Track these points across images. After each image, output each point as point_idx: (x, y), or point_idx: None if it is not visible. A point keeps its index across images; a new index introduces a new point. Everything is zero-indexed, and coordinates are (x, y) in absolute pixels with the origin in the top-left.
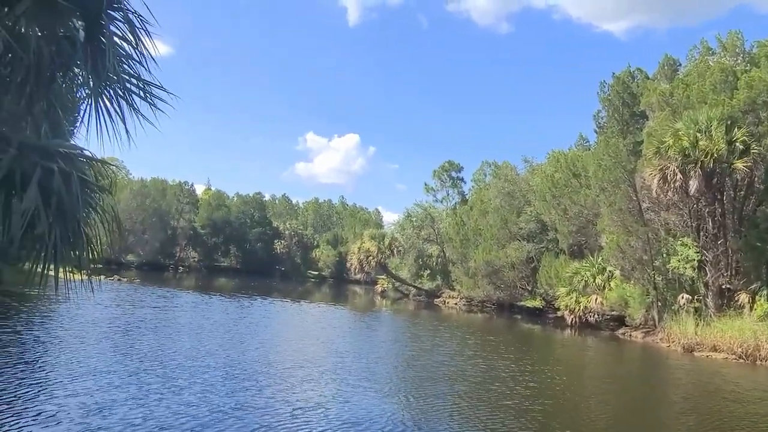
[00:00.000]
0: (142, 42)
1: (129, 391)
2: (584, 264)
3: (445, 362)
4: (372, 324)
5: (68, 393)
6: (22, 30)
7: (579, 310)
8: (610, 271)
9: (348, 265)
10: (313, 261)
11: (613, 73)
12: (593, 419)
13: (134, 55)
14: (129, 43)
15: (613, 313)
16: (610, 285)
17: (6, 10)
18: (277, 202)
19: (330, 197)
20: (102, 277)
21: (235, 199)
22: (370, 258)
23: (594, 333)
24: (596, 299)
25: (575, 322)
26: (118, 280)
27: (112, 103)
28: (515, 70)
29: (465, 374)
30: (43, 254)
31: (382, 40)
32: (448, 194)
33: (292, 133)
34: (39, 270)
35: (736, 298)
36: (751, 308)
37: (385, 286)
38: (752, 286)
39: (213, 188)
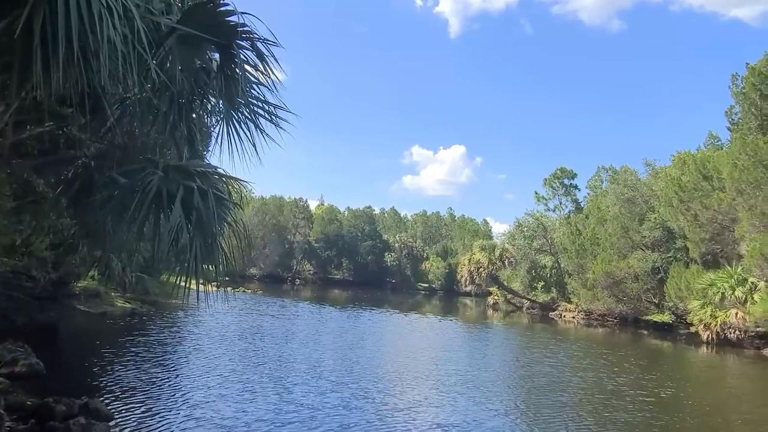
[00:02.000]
0: (269, 67)
1: (233, 389)
2: (720, 274)
3: (556, 375)
4: (482, 336)
5: (180, 389)
6: (168, 65)
7: (716, 325)
8: (752, 283)
9: (458, 277)
10: (422, 273)
11: (747, 64)
12: None
13: (261, 80)
14: (257, 68)
15: (758, 329)
16: (753, 298)
17: (154, 49)
18: (386, 215)
19: (437, 209)
20: (229, 288)
21: (346, 213)
22: (481, 269)
23: (735, 351)
24: (737, 314)
25: (711, 338)
26: (243, 291)
27: (241, 126)
28: (631, 69)
29: (578, 387)
30: (185, 265)
31: (485, 50)
32: (560, 202)
33: (398, 148)
34: (181, 281)
35: None
36: None
37: (497, 298)
38: None
39: (325, 203)
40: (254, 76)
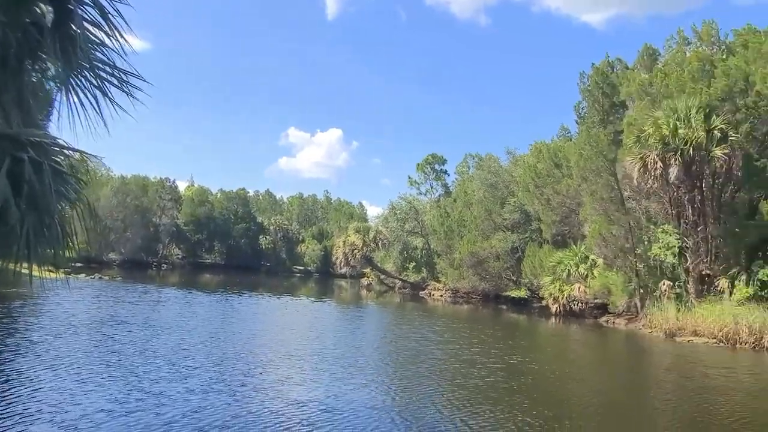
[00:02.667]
0: (115, 28)
1: (72, 380)
2: (567, 253)
3: (419, 348)
4: (353, 316)
5: (27, 386)
6: None
7: (563, 298)
8: (593, 260)
9: (333, 259)
10: (298, 256)
11: (593, 64)
12: (560, 398)
13: (107, 43)
14: (101, 29)
15: (596, 301)
16: (593, 273)
17: None
18: (260, 197)
19: (314, 192)
20: (83, 275)
21: (219, 195)
22: (356, 251)
23: (578, 321)
24: (579, 288)
25: (559, 310)
26: (99, 278)
27: (85, 93)
28: (497, 62)
29: (437, 358)
30: (16, 249)
31: (362, 34)
32: (432, 187)
33: (274, 129)
34: (13, 266)
35: (715, 284)
36: (731, 293)
37: (371, 279)
38: (731, 272)
39: (196, 184)
40: (99, 38)
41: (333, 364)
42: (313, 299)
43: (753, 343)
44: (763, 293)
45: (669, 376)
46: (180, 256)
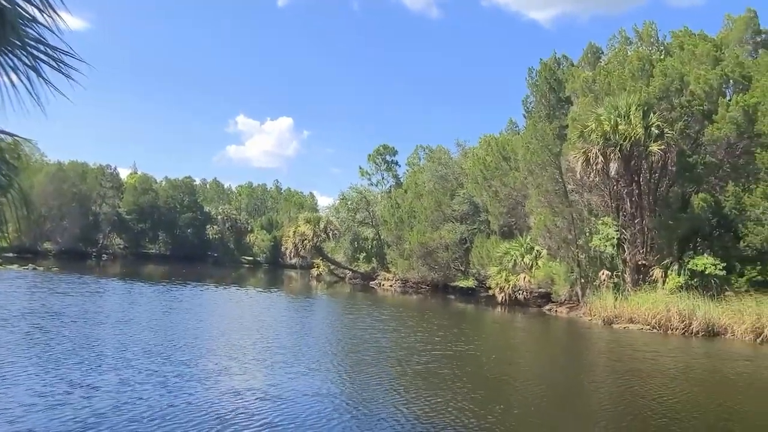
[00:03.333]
0: (47, 3)
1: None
2: (513, 244)
3: (365, 337)
4: (301, 306)
5: None
6: None
7: (508, 288)
8: (537, 251)
9: (283, 249)
10: (247, 246)
11: (541, 60)
12: (499, 382)
13: (39, 19)
14: (32, 4)
15: (540, 290)
16: (537, 264)
17: None
18: (208, 186)
19: (264, 181)
20: (15, 265)
21: (164, 183)
22: (306, 242)
23: (522, 310)
24: (524, 277)
25: (505, 300)
26: (33, 268)
27: (17, 73)
28: (448, 55)
29: (381, 346)
30: None
31: (313, 22)
32: (382, 177)
33: (222, 116)
34: None
35: (650, 273)
36: (664, 282)
37: (321, 269)
38: (665, 262)
39: (139, 172)
40: (30, 13)
41: (275, 354)
42: (260, 290)
43: (683, 329)
44: (692, 282)
45: (602, 360)
46: (122, 246)
